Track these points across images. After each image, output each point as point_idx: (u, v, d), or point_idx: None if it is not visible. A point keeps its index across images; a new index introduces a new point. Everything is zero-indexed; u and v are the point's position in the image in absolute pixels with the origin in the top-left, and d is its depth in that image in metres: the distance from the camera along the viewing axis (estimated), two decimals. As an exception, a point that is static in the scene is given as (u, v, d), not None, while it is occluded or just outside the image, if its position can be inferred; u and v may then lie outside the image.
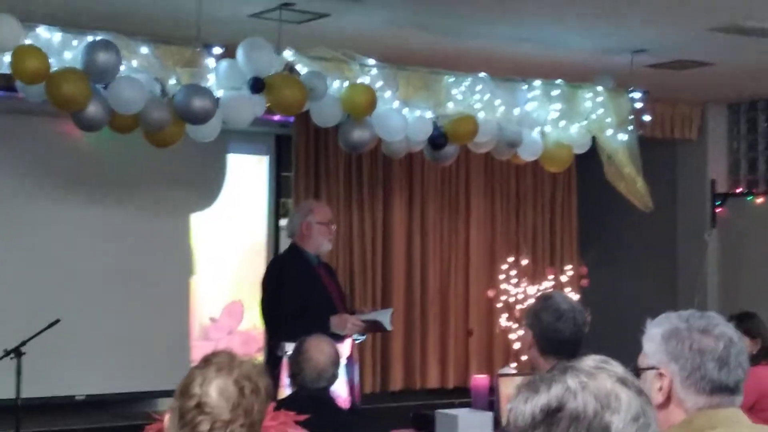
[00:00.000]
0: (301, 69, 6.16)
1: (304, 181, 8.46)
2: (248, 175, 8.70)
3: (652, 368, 2.37)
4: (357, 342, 6.37)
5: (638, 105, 7.46)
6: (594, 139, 7.29)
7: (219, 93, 5.92)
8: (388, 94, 6.42)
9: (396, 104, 6.50)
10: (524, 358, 7.92)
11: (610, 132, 7.27)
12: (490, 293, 8.97)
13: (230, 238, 8.53)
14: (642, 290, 9.41)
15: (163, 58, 5.75)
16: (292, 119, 8.24)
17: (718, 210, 9.43)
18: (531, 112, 7.01)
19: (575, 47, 7.17)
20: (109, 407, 7.87)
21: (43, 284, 7.55)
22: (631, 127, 7.33)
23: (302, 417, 3.21)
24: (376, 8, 6.21)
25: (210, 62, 5.91)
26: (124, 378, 7.80)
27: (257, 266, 7.77)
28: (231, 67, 5.92)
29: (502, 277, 9.03)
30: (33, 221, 7.61)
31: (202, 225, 8.39)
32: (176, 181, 8.13)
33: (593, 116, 7.22)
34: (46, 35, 5.49)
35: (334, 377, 4.64)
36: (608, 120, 7.25)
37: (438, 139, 6.71)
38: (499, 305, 8.97)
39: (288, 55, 6.12)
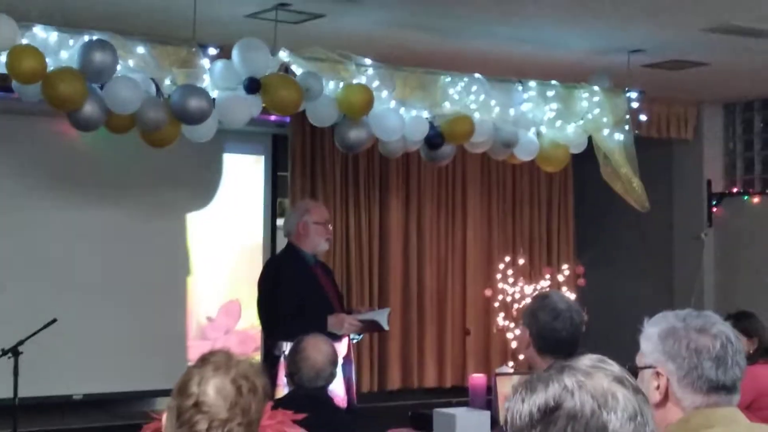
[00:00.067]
0: (297, 69, 6.16)
1: (300, 181, 8.46)
2: (245, 175, 8.71)
3: (649, 367, 2.37)
4: (354, 342, 6.37)
5: (634, 105, 7.47)
6: (590, 138, 7.29)
7: (214, 93, 5.92)
8: (384, 94, 6.42)
9: (392, 104, 6.50)
10: (521, 357, 7.93)
11: (606, 132, 7.28)
12: (487, 293, 8.98)
13: (227, 238, 8.53)
14: (638, 290, 9.42)
15: (159, 58, 5.75)
16: (288, 119, 8.24)
17: (714, 210, 9.44)
18: (527, 112, 7.01)
19: (571, 47, 7.18)
20: (107, 406, 7.87)
21: (40, 284, 7.55)
22: (627, 127, 7.34)
23: (300, 416, 3.21)
24: (372, 9, 6.21)
25: (205, 62, 5.91)
26: (122, 377, 7.80)
27: (254, 266, 7.77)
28: (226, 68, 5.92)
29: (499, 276, 9.03)
30: (29, 221, 7.61)
31: (198, 225, 8.39)
32: (173, 181, 8.13)
33: (589, 116, 7.23)
34: (42, 35, 5.48)
35: (331, 376, 4.64)
36: (604, 120, 7.25)
37: (434, 139, 6.71)
38: (496, 305, 8.97)
39: (283, 55, 6.12)
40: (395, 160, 8.49)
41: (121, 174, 7.88)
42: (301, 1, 6.03)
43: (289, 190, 8.50)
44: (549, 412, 1.61)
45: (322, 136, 8.35)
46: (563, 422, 1.60)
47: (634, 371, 2.35)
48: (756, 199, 9.31)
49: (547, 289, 8.62)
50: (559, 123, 7.15)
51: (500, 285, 8.99)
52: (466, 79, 6.77)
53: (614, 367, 1.67)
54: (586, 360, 1.68)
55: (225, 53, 5.97)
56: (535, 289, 8.80)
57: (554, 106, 7.10)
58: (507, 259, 9.12)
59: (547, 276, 9.07)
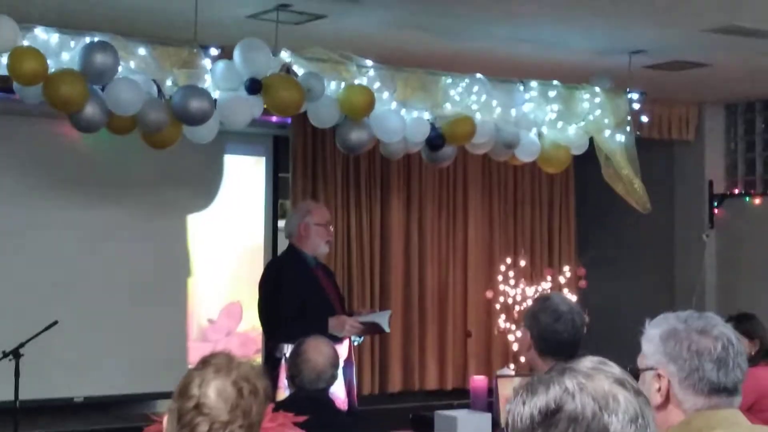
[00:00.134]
0: (298, 70, 6.16)
1: (301, 182, 8.46)
2: (246, 176, 8.71)
3: (651, 369, 2.37)
4: (355, 344, 6.36)
5: (636, 106, 7.47)
6: (592, 140, 7.29)
7: (216, 94, 5.91)
8: (385, 95, 6.42)
9: (394, 105, 6.49)
10: (523, 359, 7.93)
11: (607, 133, 7.27)
12: (489, 294, 8.97)
13: (228, 239, 8.53)
14: (640, 291, 9.41)
15: (161, 59, 5.75)
16: (289, 120, 8.24)
17: (715, 211, 9.44)
18: (528, 113, 7.01)
19: (573, 48, 7.17)
20: (108, 409, 7.86)
21: (41, 286, 7.55)
22: (628, 128, 7.33)
23: (301, 418, 3.21)
24: (374, 9, 6.21)
25: (207, 63, 5.91)
26: (123, 380, 7.80)
27: (255, 267, 7.77)
28: (228, 68, 5.92)
29: (500, 278, 9.03)
30: (30, 222, 7.60)
31: (199, 226, 8.39)
32: (174, 182, 8.13)
33: (591, 117, 7.22)
34: (43, 36, 5.49)
35: (332, 378, 4.64)
36: (606, 121, 7.25)
37: (436, 140, 6.71)
38: (498, 306, 8.97)
39: (285, 56, 6.12)
40: (396, 162, 8.48)
41: (122, 175, 7.88)
42: (303, 2, 6.03)
43: (291, 191, 8.50)
44: (550, 415, 1.61)
45: (323, 138, 8.35)
46: (564, 425, 1.60)
47: (636, 373, 2.34)
48: (757, 200, 9.30)
49: (549, 291, 8.62)
50: (560, 124, 7.15)
51: (501, 287, 8.98)
52: (467, 79, 6.77)
53: (615, 369, 1.67)
54: (587, 362, 1.68)
55: (226, 54, 5.97)
56: (536, 291, 8.80)
57: (555, 107, 7.10)
58: (508, 260, 9.11)
59: (549, 277, 9.07)
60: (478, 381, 6.61)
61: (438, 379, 9.05)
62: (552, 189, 9.66)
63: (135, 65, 5.69)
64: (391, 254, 8.87)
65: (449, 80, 6.72)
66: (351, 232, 8.66)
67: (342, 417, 4.84)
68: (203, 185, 8.41)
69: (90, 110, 5.55)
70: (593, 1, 6.12)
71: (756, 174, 9.43)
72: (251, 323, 8.23)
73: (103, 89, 5.58)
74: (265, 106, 6.07)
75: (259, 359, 7.69)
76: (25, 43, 5.39)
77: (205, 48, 5.92)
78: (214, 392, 2.48)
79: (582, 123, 7.20)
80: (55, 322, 6.23)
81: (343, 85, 6.26)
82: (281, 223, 8.06)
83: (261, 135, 8.60)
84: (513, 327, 8.72)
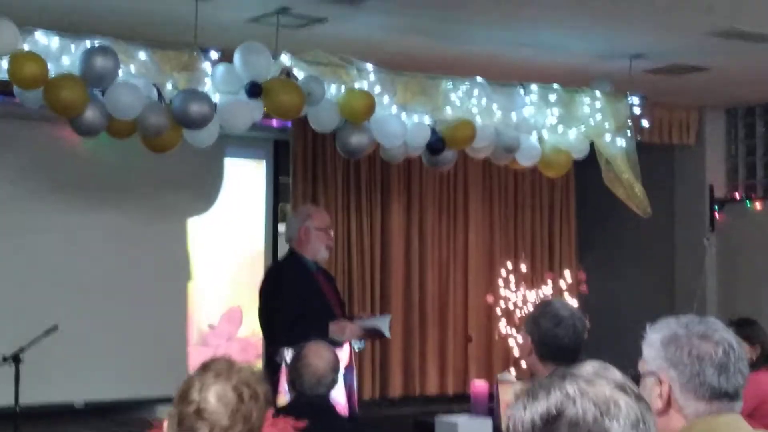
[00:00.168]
0: (299, 74, 6.16)
1: (302, 186, 8.46)
2: (246, 180, 8.71)
3: (652, 374, 2.36)
4: (356, 350, 6.35)
5: (636, 110, 7.47)
6: (592, 144, 7.29)
7: (216, 98, 5.91)
8: (386, 99, 6.42)
9: (394, 109, 6.49)
10: (524, 364, 7.92)
11: (608, 137, 7.27)
12: (489, 299, 8.97)
13: (228, 243, 8.53)
14: (640, 295, 9.41)
15: (161, 63, 5.75)
16: (290, 124, 8.24)
17: (716, 215, 9.43)
18: (528, 117, 7.01)
19: (573, 52, 7.18)
20: (108, 414, 7.86)
21: (41, 290, 7.54)
22: (629, 133, 7.33)
23: (301, 424, 3.20)
24: (374, 13, 6.21)
25: (207, 66, 5.91)
26: (123, 384, 7.80)
27: (256, 272, 7.77)
28: (228, 72, 5.92)
29: (501, 282, 9.02)
30: (31, 226, 7.60)
31: (200, 230, 8.39)
32: (174, 186, 8.13)
33: (591, 121, 7.22)
34: (44, 40, 5.49)
35: (333, 383, 4.63)
36: (606, 125, 7.25)
37: (436, 144, 6.70)
38: (498, 311, 8.96)
39: (285, 59, 6.12)
40: (397, 166, 8.48)
41: (122, 179, 7.88)
42: (303, 6, 6.03)
43: (291, 195, 8.50)
44: (551, 420, 1.61)
45: (323, 142, 8.35)
46: (565, 430, 1.60)
47: (636, 378, 2.33)
48: (758, 205, 9.29)
49: (550, 296, 8.61)
50: (560, 128, 7.14)
51: (502, 291, 8.98)
52: (467, 83, 6.77)
53: (616, 375, 1.67)
54: (588, 367, 1.68)
55: (226, 57, 5.97)
56: (537, 296, 8.79)
57: (556, 111, 7.09)
58: (509, 264, 9.10)
59: (549, 282, 9.06)
60: (478, 386, 6.61)
61: (439, 384, 9.05)
62: (552, 193, 9.66)
63: (135, 69, 5.69)
64: (392, 258, 8.86)
65: (449, 84, 6.72)
66: (351, 237, 8.66)
67: (342, 422, 4.83)
68: (203, 189, 8.41)
69: (90, 114, 5.55)
70: (594, 5, 6.12)
71: (756, 178, 9.42)
72: (252, 328, 8.23)
73: (103, 93, 5.59)
74: (265, 110, 6.06)
75: (259, 364, 7.68)
76: (26, 47, 5.40)
77: (205, 51, 5.92)
78: (214, 397, 2.47)
79: (582, 127, 7.20)
80: (55, 327, 6.23)
81: (343, 89, 6.26)
82: (282, 227, 8.06)
83: (261, 139, 8.60)
84: (514, 332, 8.71)
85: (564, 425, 1.60)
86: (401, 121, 6.50)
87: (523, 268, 9.13)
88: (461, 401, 8.06)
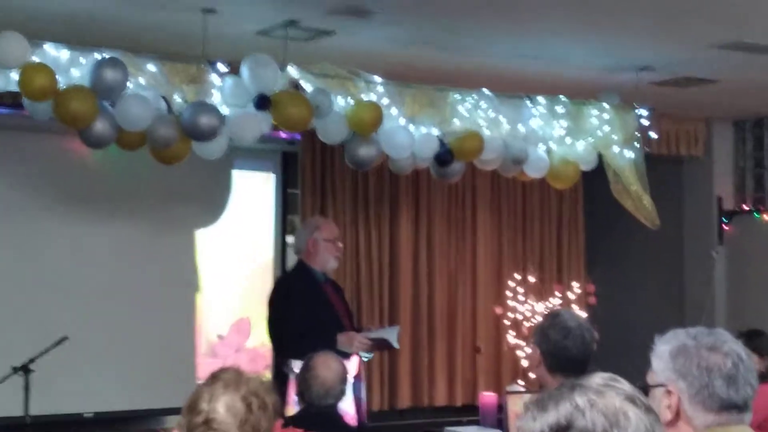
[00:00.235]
0: (306, 86, 6.18)
1: (310, 198, 8.46)
2: (255, 192, 8.71)
3: (661, 385, 2.36)
4: (365, 360, 6.35)
5: (644, 122, 7.47)
6: (600, 156, 7.29)
7: (224, 110, 5.93)
8: (394, 111, 6.43)
9: (402, 121, 6.51)
10: (532, 375, 7.91)
11: (616, 149, 7.27)
12: (498, 310, 8.96)
13: (237, 255, 8.53)
14: (649, 307, 9.39)
15: (170, 76, 5.78)
16: (298, 136, 8.25)
17: (725, 227, 9.42)
18: (536, 128, 7.01)
19: (581, 64, 7.18)
20: (117, 424, 7.86)
21: (51, 301, 7.55)
22: (637, 144, 7.33)
23: (310, 434, 3.21)
24: (382, 26, 6.23)
25: (215, 79, 5.93)
26: (132, 395, 7.80)
27: (265, 283, 7.77)
28: (236, 84, 5.93)
29: (509, 294, 9.02)
30: (40, 237, 7.62)
31: (208, 242, 8.40)
32: (183, 197, 8.14)
33: (599, 133, 7.23)
34: (53, 53, 5.51)
35: (341, 394, 4.64)
36: (614, 137, 7.25)
37: (444, 156, 6.71)
38: (507, 322, 8.95)
39: (293, 72, 6.14)
40: (405, 177, 8.49)
41: (131, 191, 7.89)
42: (311, 19, 6.04)
43: (299, 207, 8.51)
44: (560, 431, 1.61)
45: (332, 154, 8.36)
46: (574, 441, 1.60)
47: (645, 390, 2.34)
48: (766, 216, 9.28)
49: (558, 308, 8.61)
50: (568, 140, 7.15)
51: (511, 302, 8.97)
52: (475, 95, 6.78)
53: (626, 386, 1.67)
54: (598, 378, 1.67)
55: (235, 70, 5.99)
56: (545, 307, 8.78)
57: (564, 123, 7.10)
58: (517, 276, 9.10)
59: (558, 293, 9.06)
60: (487, 397, 6.60)
61: (447, 395, 9.03)
62: (561, 205, 9.65)
63: (144, 81, 5.71)
64: (400, 270, 8.86)
65: (457, 96, 6.73)
66: (360, 248, 8.66)
67: (351, 433, 4.84)
68: (212, 201, 8.42)
69: (99, 126, 5.57)
70: (601, 17, 6.13)
71: (765, 190, 9.41)
72: (260, 339, 8.23)
73: (112, 105, 5.61)
74: (274, 122, 6.08)
75: (268, 375, 7.69)
76: (36, 59, 5.42)
77: (213, 64, 5.94)
78: (223, 407, 2.48)
79: (590, 139, 7.20)
80: (65, 338, 6.25)
81: (351, 101, 6.27)
82: (290, 239, 8.07)
83: (270, 151, 8.61)
84: (522, 343, 8.70)
85: (573, 436, 1.60)
86: (409, 133, 6.51)
87: (532, 279, 9.12)
88: (470, 412, 8.05)
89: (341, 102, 6.26)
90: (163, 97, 5.78)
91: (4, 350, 6.65)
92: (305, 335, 5.82)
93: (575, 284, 9.29)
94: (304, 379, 4.61)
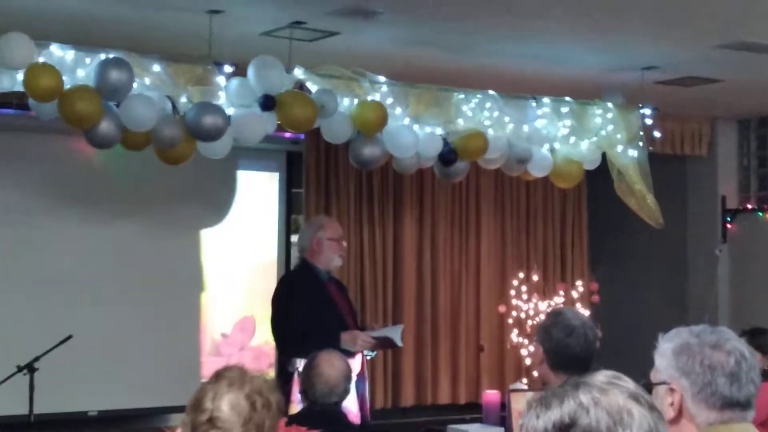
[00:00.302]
0: (312, 87, 6.19)
1: (314, 197, 8.48)
2: (259, 192, 8.73)
3: (663, 383, 2.37)
4: (368, 359, 6.37)
5: (648, 121, 7.48)
6: (604, 155, 7.30)
7: (230, 110, 5.95)
8: (398, 111, 6.44)
9: (406, 121, 6.52)
10: (535, 373, 7.92)
11: (620, 148, 7.28)
12: (501, 309, 8.97)
13: (242, 254, 8.55)
14: (652, 306, 9.40)
15: (175, 76, 5.79)
16: (302, 136, 8.26)
17: (728, 226, 9.42)
18: (540, 128, 7.02)
19: (585, 64, 7.19)
20: (122, 423, 7.88)
21: (55, 300, 7.57)
22: (641, 144, 7.34)
23: (314, 433, 3.22)
24: (386, 27, 6.24)
25: (221, 80, 5.94)
26: (136, 393, 7.81)
27: (269, 282, 7.78)
28: (242, 85, 5.95)
29: (512, 292, 9.02)
30: (45, 237, 7.64)
31: (213, 241, 8.41)
32: (188, 197, 8.15)
33: (603, 132, 7.23)
34: (59, 53, 5.53)
35: (345, 392, 4.65)
36: (618, 136, 7.26)
37: (448, 156, 6.72)
38: (510, 321, 8.96)
39: (298, 73, 6.15)
40: (409, 177, 8.50)
41: (136, 191, 7.91)
42: (316, 19, 6.06)
43: (304, 206, 8.52)
44: (564, 429, 1.61)
45: (336, 153, 8.37)
46: (578, 439, 1.61)
47: (648, 387, 2.35)
48: (771, 215, 9.29)
49: (561, 306, 8.61)
50: (572, 139, 7.16)
51: (514, 301, 8.98)
52: (479, 95, 6.79)
53: (629, 384, 1.67)
54: (601, 376, 1.68)
55: (240, 71, 6.00)
56: (549, 306, 8.79)
57: (568, 122, 7.11)
58: (521, 275, 9.11)
59: (561, 292, 9.07)
60: (490, 395, 6.61)
61: (451, 393, 9.04)
62: (564, 204, 9.66)
63: (150, 82, 5.72)
64: (404, 269, 8.87)
65: (462, 96, 6.74)
66: (364, 247, 8.67)
67: (355, 431, 4.85)
68: (217, 201, 8.44)
69: (105, 126, 5.58)
70: (605, 18, 6.13)
71: (769, 189, 9.42)
72: (264, 337, 8.24)
73: (118, 105, 5.62)
74: (278, 122, 6.09)
75: (272, 373, 7.70)
76: (41, 59, 5.44)
77: (219, 65, 5.96)
78: (227, 406, 2.49)
79: (594, 138, 7.21)
80: (70, 337, 6.26)
81: (356, 101, 6.29)
82: (294, 239, 8.08)
83: (274, 151, 8.62)
84: (525, 341, 8.72)
85: (577, 434, 1.61)
86: (413, 133, 6.52)
87: (535, 278, 9.13)
88: (473, 410, 8.05)
89: (346, 102, 6.28)
90: (169, 98, 5.79)
91: (9, 349, 6.67)
92: (309, 334, 5.83)
93: (579, 283, 9.30)
94: (307, 377, 4.62)
